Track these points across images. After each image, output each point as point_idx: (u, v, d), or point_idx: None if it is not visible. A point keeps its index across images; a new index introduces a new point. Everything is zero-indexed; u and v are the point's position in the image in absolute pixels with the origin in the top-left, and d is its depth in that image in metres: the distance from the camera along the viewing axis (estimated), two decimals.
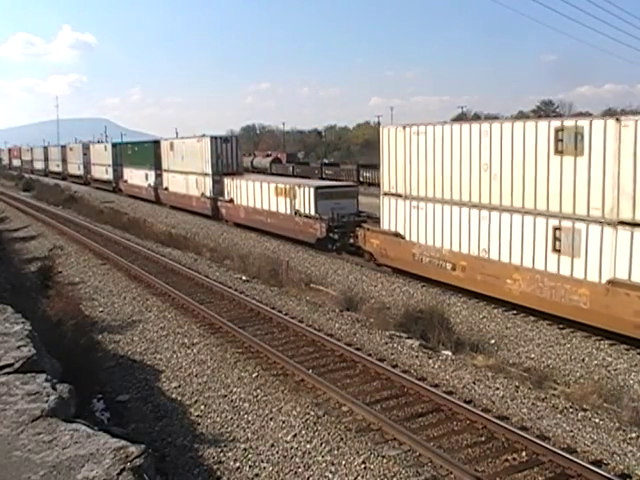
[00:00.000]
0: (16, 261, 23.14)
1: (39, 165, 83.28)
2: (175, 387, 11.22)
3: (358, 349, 12.63)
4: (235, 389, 10.96)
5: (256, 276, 19.62)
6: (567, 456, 8.13)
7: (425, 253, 18.20)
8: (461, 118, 75.36)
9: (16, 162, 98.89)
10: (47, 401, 6.37)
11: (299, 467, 8.31)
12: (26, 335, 8.53)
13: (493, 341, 13.54)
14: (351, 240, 22.62)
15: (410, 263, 18.91)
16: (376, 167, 52.31)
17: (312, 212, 24.42)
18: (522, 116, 71.95)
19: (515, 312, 15.43)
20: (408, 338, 13.46)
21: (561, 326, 14.29)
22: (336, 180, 46.65)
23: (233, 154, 34.75)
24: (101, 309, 16.59)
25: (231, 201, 31.70)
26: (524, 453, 8.46)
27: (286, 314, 15.23)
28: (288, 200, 26.10)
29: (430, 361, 12.24)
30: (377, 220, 21.78)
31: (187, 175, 36.86)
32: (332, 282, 19.13)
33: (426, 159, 17.91)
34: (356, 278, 19.64)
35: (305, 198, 24.97)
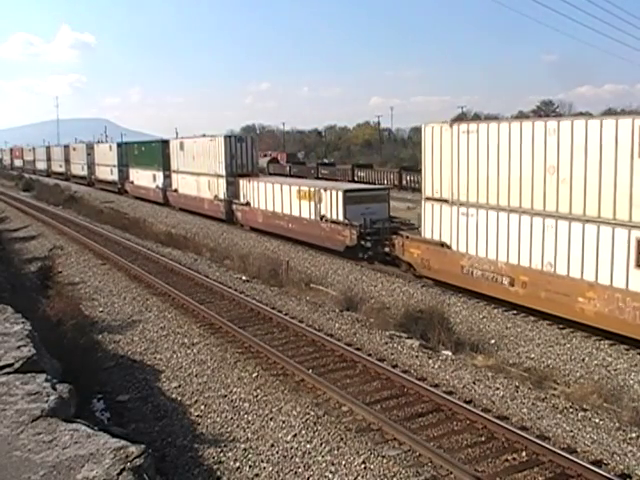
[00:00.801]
0: (16, 261, 23.13)
1: (41, 165, 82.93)
2: (175, 387, 11.22)
3: (358, 349, 12.63)
4: (235, 389, 10.96)
5: (256, 276, 19.62)
6: (567, 456, 8.13)
7: (476, 265, 16.34)
8: (461, 118, 75.36)
9: (18, 162, 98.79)
10: (47, 401, 6.39)
11: (299, 467, 8.31)
12: (26, 335, 8.55)
13: (493, 341, 13.54)
14: (386, 249, 20.69)
15: (457, 276, 17.06)
16: (370, 167, 53.37)
17: (340, 217, 22.44)
18: (522, 116, 71.89)
19: (515, 312, 15.40)
20: (408, 338, 13.46)
21: (561, 326, 14.27)
22: (332, 180, 46.58)
23: (249, 154, 33.10)
24: (101, 309, 16.59)
25: (247, 204, 29.81)
26: (524, 453, 8.45)
27: (286, 314, 15.23)
28: (312, 204, 24.12)
29: (430, 361, 12.24)
30: (412, 226, 20.46)
31: (198, 176, 35.15)
32: (332, 282, 19.13)
33: (478, 161, 16.12)
34: (356, 278, 19.63)
35: (332, 202, 22.99)
